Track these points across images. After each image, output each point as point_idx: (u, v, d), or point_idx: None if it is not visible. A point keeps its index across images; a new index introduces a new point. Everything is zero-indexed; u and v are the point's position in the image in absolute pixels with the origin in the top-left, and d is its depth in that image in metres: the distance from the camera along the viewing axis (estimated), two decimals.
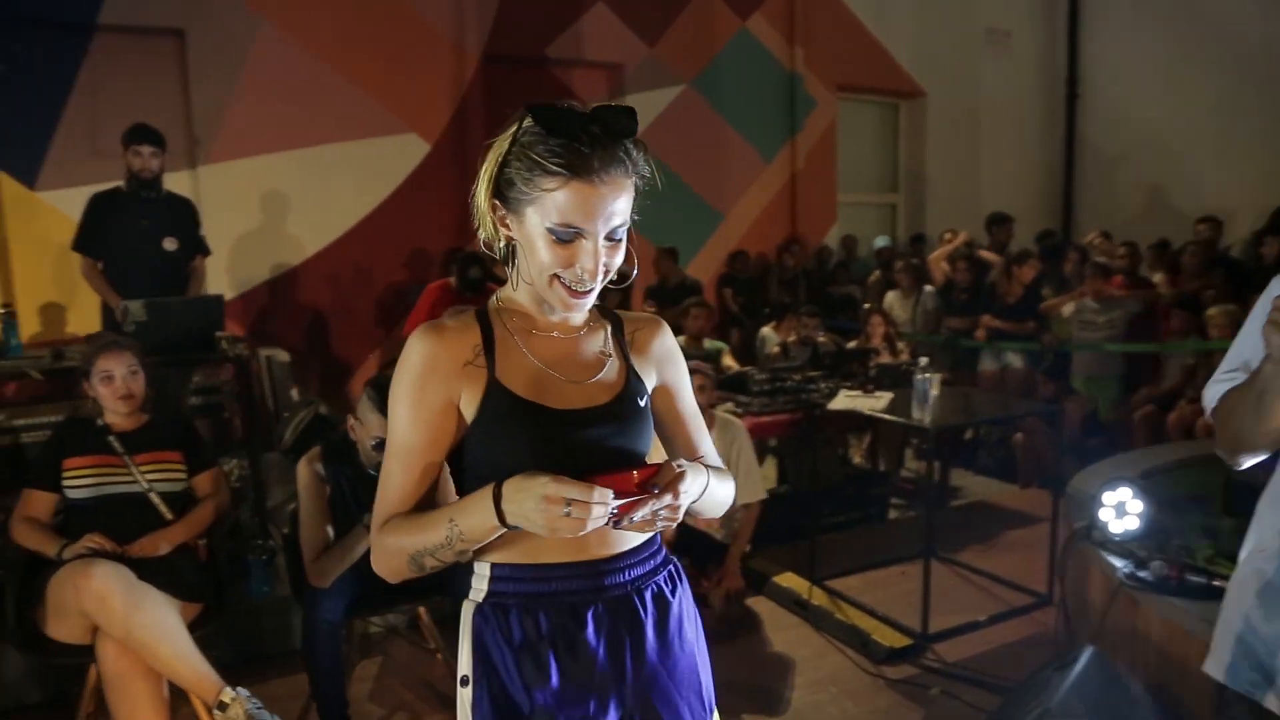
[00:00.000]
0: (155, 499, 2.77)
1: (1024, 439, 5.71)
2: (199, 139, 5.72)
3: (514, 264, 1.29)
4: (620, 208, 1.21)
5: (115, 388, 2.78)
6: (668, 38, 7.41)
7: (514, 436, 1.23)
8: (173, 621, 2.46)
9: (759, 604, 3.94)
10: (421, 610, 3.10)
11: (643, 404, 1.33)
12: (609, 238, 1.21)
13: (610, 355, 1.35)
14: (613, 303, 6.09)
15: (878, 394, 4.31)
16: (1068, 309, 6.08)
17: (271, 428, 4.72)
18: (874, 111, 9.15)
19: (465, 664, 1.27)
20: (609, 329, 1.38)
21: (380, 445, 2.58)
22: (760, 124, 8.00)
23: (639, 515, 1.13)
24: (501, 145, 1.22)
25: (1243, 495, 2.02)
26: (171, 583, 2.58)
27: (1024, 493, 5.54)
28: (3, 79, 5.22)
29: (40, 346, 4.36)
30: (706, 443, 1.45)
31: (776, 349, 5.90)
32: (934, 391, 3.78)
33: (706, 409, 3.96)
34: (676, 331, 5.48)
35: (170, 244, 4.25)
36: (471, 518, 1.17)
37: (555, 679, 1.24)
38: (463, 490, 1.28)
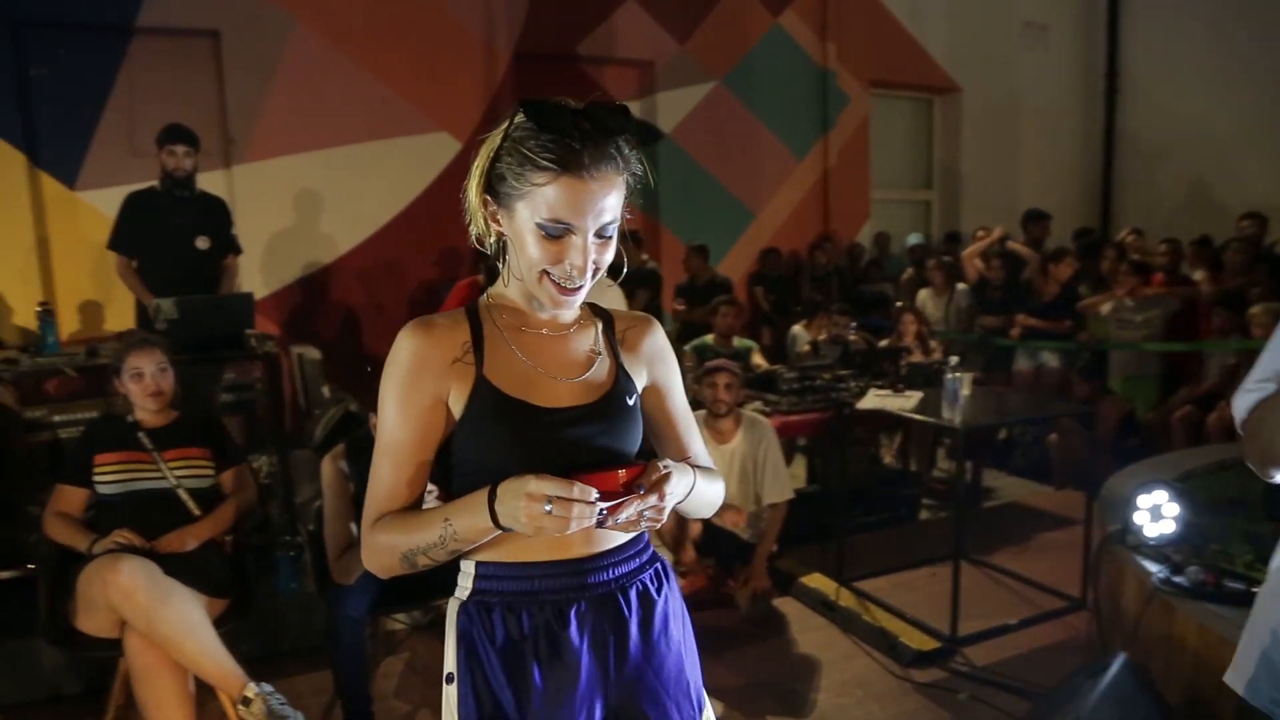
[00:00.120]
0: (183, 495, 2.80)
1: (1058, 439, 5.61)
2: (234, 139, 5.79)
3: (504, 260, 1.29)
4: (610, 204, 1.20)
5: (145, 385, 2.82)
6: (699, 35, 7.37)
7: (500, 434, 1.23)
8: (197, 617, 2.49)
9: (786, 604, 3.91)
10: (445, 607, 3.10)
11: (631, 403, 1.33)
12: (599, 234, 1.21)
13: (600, 353, 1.34)
14: (641, 301, 6.05)
15: (907, 393, 4.26)
16: (1106, 307, 5.96)
17: (302, 424, 4.77)
18: (908, 107, 9.04)
19: (450, 661, 1.29)
20: (600, 327, 1.37)
21: None
22: (792, 121, 7.93)
23: (624, 516, 1.13)
24: (493, 140, 1.22)
25: None
26: (198, 578, 2.61)
27: (1058, 494, 5.44)
28: (44, 82, 5.33)
29: (78, 344, 4.44)
30: (697, 443, 1.45)
31: (807, 347, 5.85)
32: (965, 391, 3.72)
33: (734, 407, 3.94)
34: (705, 330, 5.51)
35: (202, 242, 4.31)
36: (466, 518, 1.18)
37: (539, 678, 1.25)
38: (450, 487, 1.29)
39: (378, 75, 6.08)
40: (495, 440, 1.23)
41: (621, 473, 1.15)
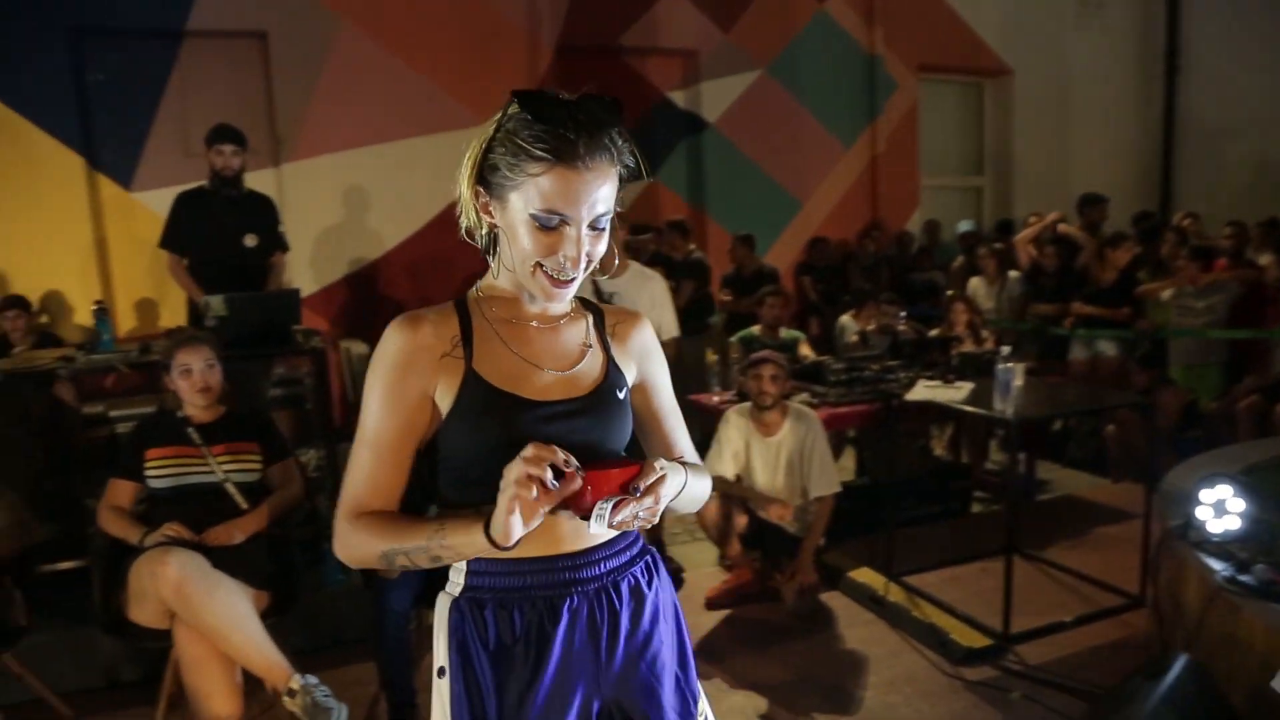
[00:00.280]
0: (231, 489, 2.85)
1: (1116, 431, 5.45)
2: (282, 138, 5.89)
3: (495, 253, 1.29)
4: (604, 195, 1.19)
5: (193, 380, 2.86)
6: (743, 22, 7.29)
7: (490, 427, 1.23)
8: (244, 609, 2.53)
9: (833, 599, 3.86)
10: None
11: (622, 396, 1.33)
12: (592, 226, 1.20)
13: (591, 346, 1.34)
14: (687, 291, 6.00)
15: (958, 384, 4.16)
16: (1166, 293, 5.77)
17: (350, 418, 4.82)
18: (957, 92, 8.84)
19: (441, 656, 1.28)
20: (590, 320, 1.37)
21: None
22: (839, 108, 7.81)
23: (620, 517, 1.13)
24: (486, 131, 1.22)
25: None
26: (245, 571, 2.65)
27: (1115, 488, 5.29)
28: (101, 87, 5.48)
29: (133, 341, 4.55)
30: (685, 440, 1.45)
31: (856, 337, 5.77)
32: (1017, 381, 3.63)
33: (780, 399, 3.90)
34: (752, 321, 5.45)
35: (250, 240, 4.37)
36: (461, 534, 1.17)
37: (531, 674, 1.25)
38: (439, 480, 1.30)
39: (423, 72, 6.13)
40: (485, 434, 1.22)
41: (618, 470, 1.15)
